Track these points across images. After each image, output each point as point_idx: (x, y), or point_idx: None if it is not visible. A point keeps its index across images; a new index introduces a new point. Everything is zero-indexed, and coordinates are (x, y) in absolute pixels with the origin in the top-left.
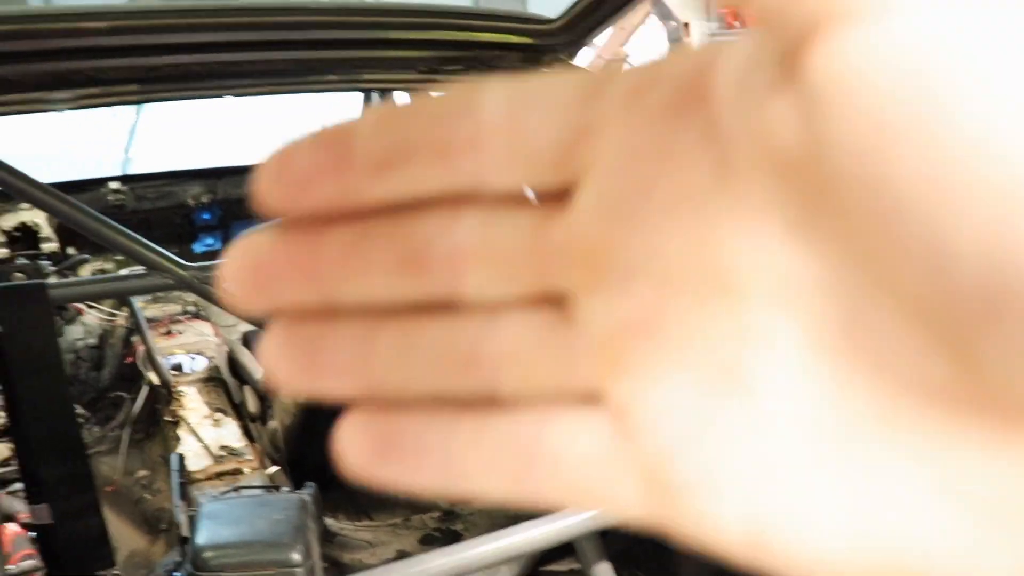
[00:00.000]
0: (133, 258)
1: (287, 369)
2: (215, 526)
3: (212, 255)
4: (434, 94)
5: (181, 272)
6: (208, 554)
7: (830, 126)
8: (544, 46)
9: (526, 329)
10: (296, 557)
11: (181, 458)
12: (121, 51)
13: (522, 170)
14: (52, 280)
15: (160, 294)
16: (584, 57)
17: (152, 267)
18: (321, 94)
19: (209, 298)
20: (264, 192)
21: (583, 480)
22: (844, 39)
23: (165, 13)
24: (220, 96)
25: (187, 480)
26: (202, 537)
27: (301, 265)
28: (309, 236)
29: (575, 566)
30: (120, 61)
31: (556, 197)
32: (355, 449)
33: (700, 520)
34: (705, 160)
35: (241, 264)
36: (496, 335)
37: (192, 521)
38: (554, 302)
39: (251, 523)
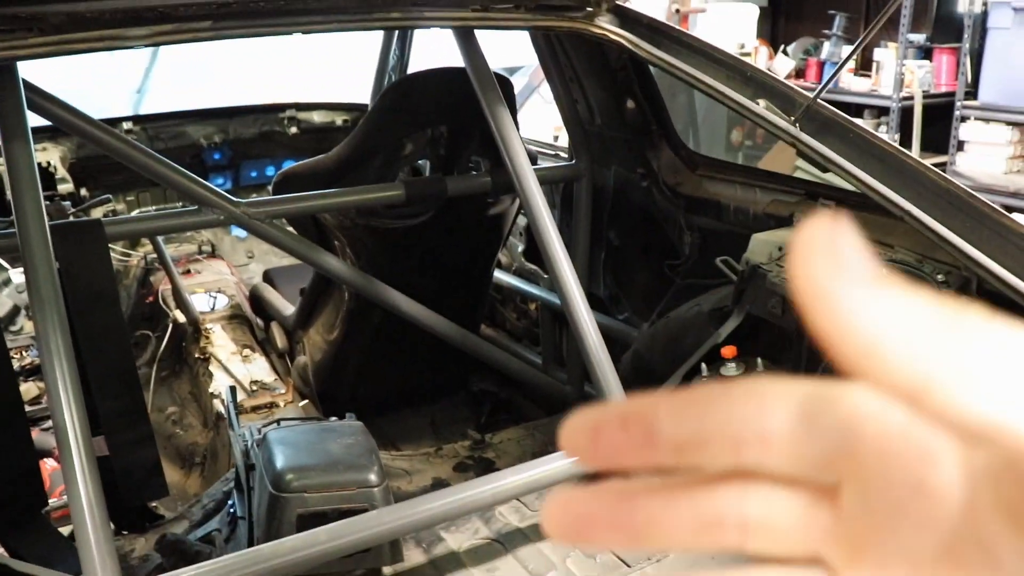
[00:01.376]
0: (186, 194)
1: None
2: (289, 451)
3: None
4: (722, 385)
5: (232, 208)
6: (290, 476)
7: None
8: None
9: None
10: (373, 478)
11: (233, 390)
12: None
13: (799, 467)
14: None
15: (174, 235)
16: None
17: (203, 203)
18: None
19: (258, 232)
20: (576, 448)
21: None
22: None
23: None
24: (288, 33)
25: (239, 411)
26: (280, 461)
27: (618, 522)
28: (621, 497)
29: None
30: None
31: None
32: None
33: None
34: (952, 506)
35: (563, 515)
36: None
37: (254, 449)
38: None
39: (323, 448)
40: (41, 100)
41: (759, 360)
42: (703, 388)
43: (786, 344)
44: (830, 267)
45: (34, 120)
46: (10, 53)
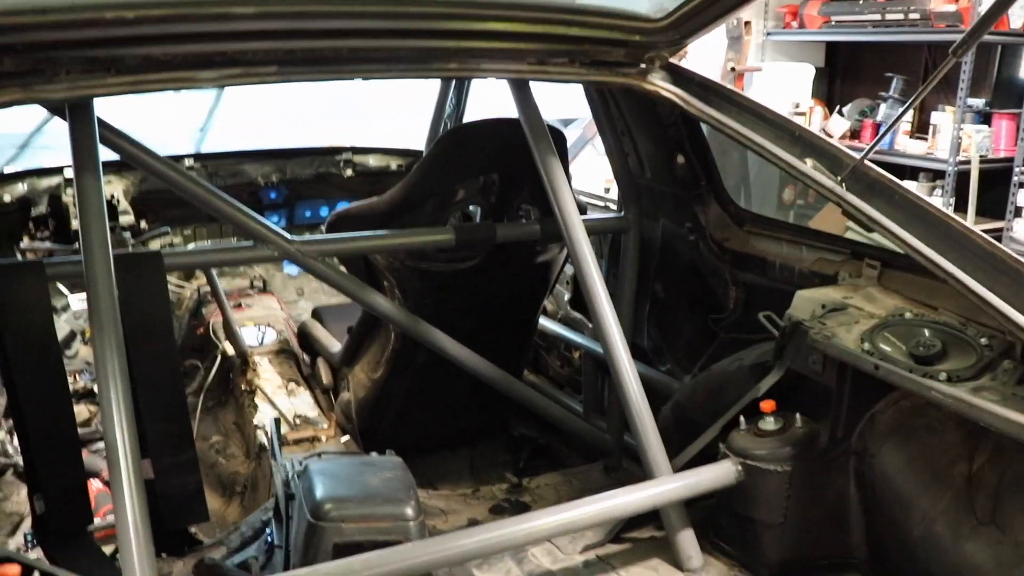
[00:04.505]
0: (242, 229)
1: None
2: (329, 482)
3: (312, 228)
4: None
5: (286, 245)
6: (328, 506)
7: None
8: (648, 43)
9: None
10: (410, 512)
11: (278, 421)
12: (263, 35)
13: None
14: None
15: (227, 268)
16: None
17: (259, 239)
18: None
19: (310, 269)
20: None
21: None
22: None
23: (304, 1)
24: (349, 79)
25: (282, 443)
26: (320, 491)
27: None
28: None
29: (657, 533)
30: (261, 44)
31: None
32: None
33: None
34: None
35: None
36: None
37: (295, 479)
38: None
39: (363, 480)
40: (112, 136)
41: (797, 415)
42: None
43: (825, 400)
44: None
45: (104, 154)
46: (88, 92)
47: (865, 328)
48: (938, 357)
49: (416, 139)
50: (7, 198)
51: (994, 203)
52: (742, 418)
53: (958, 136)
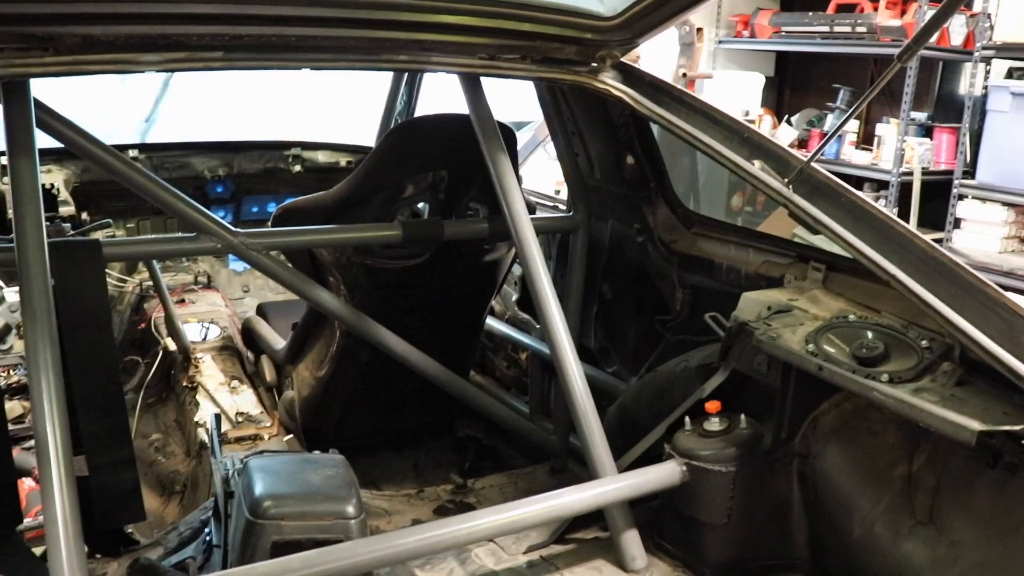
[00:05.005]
0: (185, 220)
1: None
2: (269, 479)
3: (259, 224)
4: None
5: (229, 237)
6: (267, 503)
7: None
8: (600, 41)
9: None
10: (351, 510)
11: (218, 417)
12: (209, 19)
13: None
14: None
15: (170, 263)
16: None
17: (202, 231)
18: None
19: (254, 263)
20: None
21: None
22: None
23: None
24: (296, 68)
25: (223, 441)
26: (259, 488)
27: None
28: None
29: (601, 534)
30: (207, 28)
31: None
32: None
33: None
34: None
35: None
36: None
37: (234, 476)
38: None
39: (303, 478)
40: (51, 120)
41: (742, 416)
42: None
43: (770, 401)
44: None
45: (42, 141)
46: (24, 70)
47: (810, 330)
48: (880, 359)
49: (368, 136)
50: None
51: (934, 214)
52: (687, 419)
53: (901, 148)
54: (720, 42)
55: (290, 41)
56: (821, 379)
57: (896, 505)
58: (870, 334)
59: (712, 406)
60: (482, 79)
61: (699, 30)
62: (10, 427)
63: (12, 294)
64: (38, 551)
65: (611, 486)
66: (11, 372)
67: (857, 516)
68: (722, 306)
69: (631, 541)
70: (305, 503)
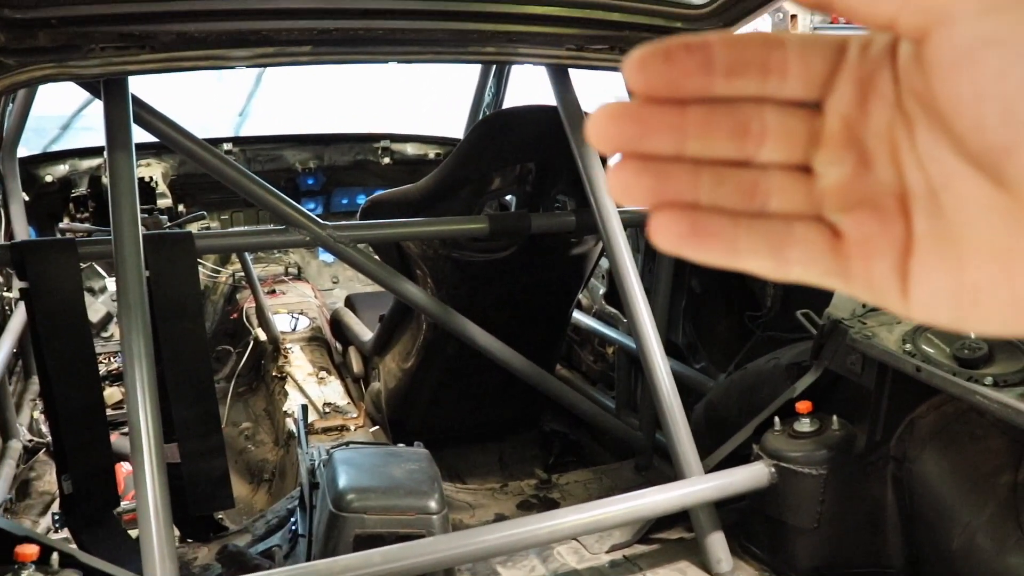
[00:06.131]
0: (275, 213)
1: (638, 187)
2: (353, 472)
3: (348, 216)
4: (760, 32)
5: (318, 230)
6: (351, 496)
7: (939, 80)
8: (690, 31)
9: (786, 179)
10: (433, 505)
11: (305, 408)
12: (298, 14)
13: (803, 87)
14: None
15: (261, 254)
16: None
17: (292, 224)
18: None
19: (342, 256)
20: (642, 72)
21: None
22: (939, 37)
23: None
24: (384, 61)
25: (310, 431)
26: (343, 481)
27: (672, 122)
28: (672, 107)
29: (686, 535)
30: (296, 23)
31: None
32: (669, 232)
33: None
34: (892, 88)
35: (615, 118)
36: (769, 178)
37: (320, 467)
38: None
39: (387, 471)
40: (148, 115)
41: (834, 417)
42: (746, 33)
43: (863, 402)
44: None
45: (140, 135)
46: (122, 68)
47: (907, 328)
48: (984, 360)
49: (456, 128)
50: (48, 178)
51: None
52: (777, 419)
53: None
54: (815, 29)
55: (377, 34)
56: (919, 380)
57: (1000, 515)
58: (973, 334)
59: (803, 406)
60: (570, 70)
61: (793, 17)
62: (109, 412)
63: (114, 284)
64: (134, 533)
65: (697, 486)
66: (112, 359)
67: (957, 525)
68: (814, 302)
69: (716, 543)
70: (388, 497)
